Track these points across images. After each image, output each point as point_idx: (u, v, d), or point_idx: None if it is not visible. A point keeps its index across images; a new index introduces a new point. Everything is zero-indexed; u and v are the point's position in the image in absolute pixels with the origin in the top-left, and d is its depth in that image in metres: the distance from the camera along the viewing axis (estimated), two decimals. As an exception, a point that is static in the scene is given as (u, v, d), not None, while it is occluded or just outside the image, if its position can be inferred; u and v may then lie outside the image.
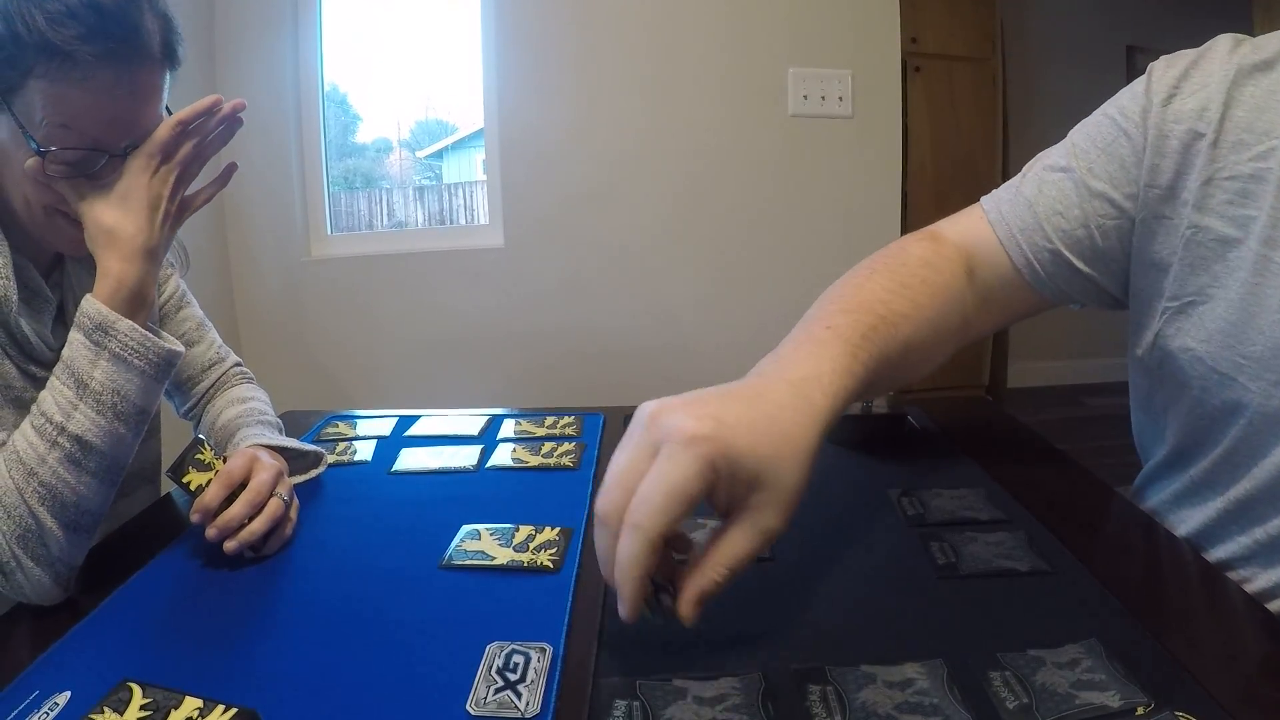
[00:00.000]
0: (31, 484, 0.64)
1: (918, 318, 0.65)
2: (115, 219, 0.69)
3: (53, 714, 0.49)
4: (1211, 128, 0.60)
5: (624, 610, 0.50)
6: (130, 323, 0.68)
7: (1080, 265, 0.69)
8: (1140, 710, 0.47)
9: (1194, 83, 0.62)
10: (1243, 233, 0.60)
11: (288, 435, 1.04)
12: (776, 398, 0.53)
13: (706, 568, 0.50)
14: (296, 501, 0.79)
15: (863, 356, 0.59)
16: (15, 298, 0.72)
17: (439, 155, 2.70)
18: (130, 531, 0.81)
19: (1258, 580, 0.65)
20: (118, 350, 0.67)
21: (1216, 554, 0.69)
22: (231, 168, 0.78)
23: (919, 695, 0.49)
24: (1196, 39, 0.67)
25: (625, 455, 0.50)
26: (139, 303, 0.70)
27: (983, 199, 0.75)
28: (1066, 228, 0.68)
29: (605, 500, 0.50)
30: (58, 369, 0.67)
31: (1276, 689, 0.50)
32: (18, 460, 0.65)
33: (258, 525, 0.71)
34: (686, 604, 0.50)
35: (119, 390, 0.67)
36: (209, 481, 0.72)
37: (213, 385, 1.00)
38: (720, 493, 0.50)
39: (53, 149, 0.66)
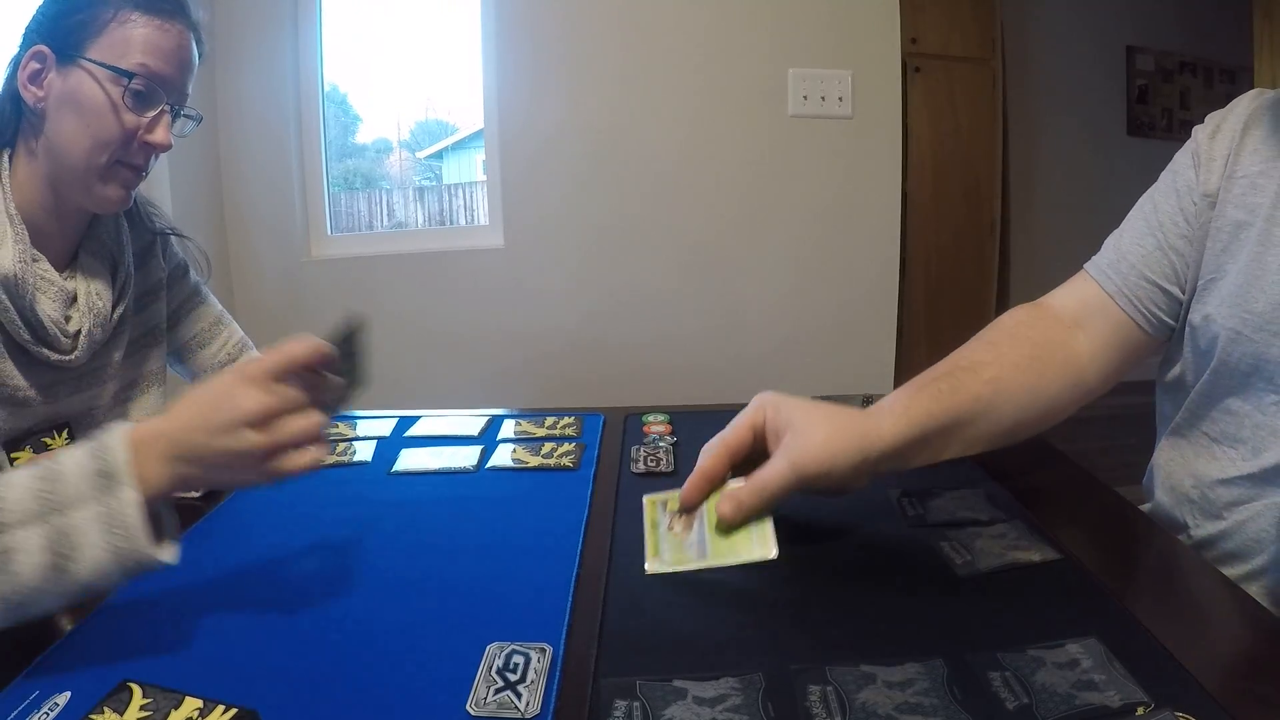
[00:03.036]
0: None
1: (1000, 363, 0.76)
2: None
3: (53, 714, 0.49)
4: (1236, 142, 0.76)
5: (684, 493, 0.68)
6: (136, 496, 0.55)
7: (1164, 284, 0.80)
8: (1140, 710, 0.47)
9: (1229, 122, 0.78)
10: (1252, 216, 0.73)
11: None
12: (825, 405, 0.70)
13: (746, 486, 0.65)
14: None
15: (936, 398, 0.71)
16: (31, 280, 0.76)
17: (439, 155, 2.70)
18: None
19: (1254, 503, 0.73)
20: (104, 514, 0.55)
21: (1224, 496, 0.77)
22: None
23: (919, 695, 0.49)
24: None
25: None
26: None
27: (1085, 265, 0.87)
28: (1147, 255, 0.81)
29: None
30: (40, 470, 0.56)
31: (1276, 689, 0.50)
32: None
33: None
34: (724, 503, 0.65)
35: (90, 559, 0.54)
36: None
37: None
38: (768, 444, 0.67)
39: (135, 75, 0.77)
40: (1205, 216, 0.77)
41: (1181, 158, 0.82)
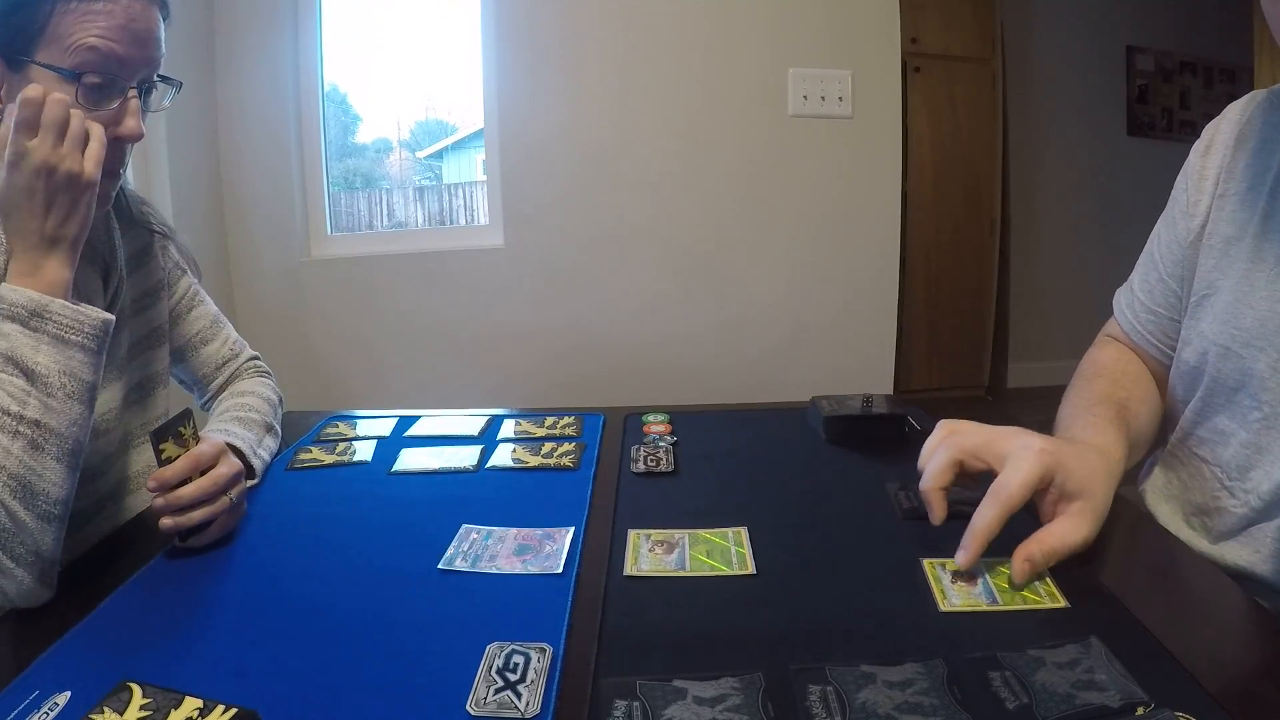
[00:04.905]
0: (0, 477, 0.63)
1: (1140, 397, 0.84)
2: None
3: (53, 714, 0.49)
4: (1229, 159, 0.77)
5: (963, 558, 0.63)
6: (62, 302, 0.68)
7: (1168, 314, 0.85)
8: (1140, 710, 0.47)
9: (1221, 135, 0.79)
10: (1241, 232, 0.74)
11: (286, 436, 1.04)
12: (1091, 453, 0.70)
13: (1037, 540, 0.63)
14: (244, 508, 0.79)
15: (1125, 431, 0.77)
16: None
17: (439, 155, 2.70)
18: (130, 531, 0.81)
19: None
20: (56, 332, 0.68)
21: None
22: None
23: (919, 695, 0.49)
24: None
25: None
26: (62, 284, 0.70)
27: (1113, 300, 0.94)
28: (1151, 288, 0.86)
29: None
30: None
31: (1276, 689, 0.50)
32: None
33: (198, 514, 0.71)
34: (1019, 559, 0.62)
35: (66, 371, 0.68)
36: (179, 456, 0.73)
37: (227, 380, 1.02)
38: (1047, 499, 0.66)
39: (84, 74, 0.72)
40: (1196, 235, 0.79)
41: (1179, 180, 0.83)
